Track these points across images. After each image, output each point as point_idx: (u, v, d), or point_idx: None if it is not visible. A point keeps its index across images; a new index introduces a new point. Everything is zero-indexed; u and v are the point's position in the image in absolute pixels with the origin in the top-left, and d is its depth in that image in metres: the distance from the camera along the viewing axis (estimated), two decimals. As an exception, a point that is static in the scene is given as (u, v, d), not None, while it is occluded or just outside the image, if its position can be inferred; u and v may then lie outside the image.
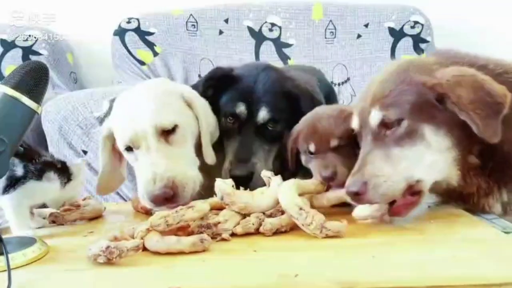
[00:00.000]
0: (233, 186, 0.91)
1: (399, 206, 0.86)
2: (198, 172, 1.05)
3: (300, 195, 0.88)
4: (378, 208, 0.87)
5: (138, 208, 1.09)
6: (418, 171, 0.85)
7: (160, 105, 1.04)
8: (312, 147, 1.03)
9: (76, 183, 1.02)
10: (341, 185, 0.94)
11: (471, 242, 0.78)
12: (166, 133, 1.03)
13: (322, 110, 1.09)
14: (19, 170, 0.91)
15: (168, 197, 0.95)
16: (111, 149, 1.14)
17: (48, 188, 0.96)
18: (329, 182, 0.98)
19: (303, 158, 1.07)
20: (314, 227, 0.79)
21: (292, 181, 0.90)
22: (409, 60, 0.94)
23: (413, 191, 0.86)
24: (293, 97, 1.15)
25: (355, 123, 0.95)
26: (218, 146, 1.19)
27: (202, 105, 1.15)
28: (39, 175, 0.93)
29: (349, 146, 1.00)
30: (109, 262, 0.72)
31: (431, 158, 0.85)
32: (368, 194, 0.83)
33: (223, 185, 0.89)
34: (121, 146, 1.06)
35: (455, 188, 0.92)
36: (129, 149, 1.04)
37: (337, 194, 0.94)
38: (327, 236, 0.79)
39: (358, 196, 0.84)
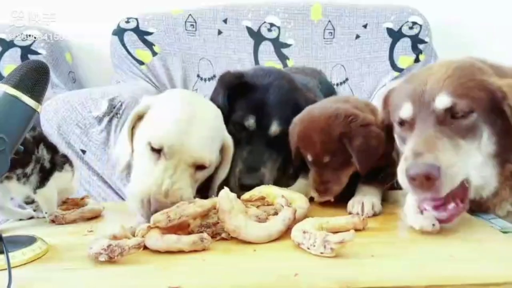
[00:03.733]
0: (234, 197, 0.86)
1: (453, 215, 0.82)
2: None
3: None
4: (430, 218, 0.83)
5: None
6: (470, 169, 0.83)
7: (210, 141, 1.03)
8: (310, 158, 1.06)
9: (76, 177, 1.10)
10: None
11: (469, 241, 0.78)
12: (199, 168, 1.01)
13: (317, 114, 1.05)
14: (47, 163, 1.01)
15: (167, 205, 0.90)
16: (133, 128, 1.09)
17: (66, 178, 1.05)
18: (322, 195, 1.05)
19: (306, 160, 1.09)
20: (318, 245, 0.74)
21: (314, 219, 0.85)
22: (469, 61, 0.90)
23: (460, 197, 0.83)
24: (301, 109, 1.15)
25: (407, 111, 0.88)
26: None
27: (230, 156, 1.12)
28: (61, 167, 1.04)
29: (343, 156, 1.01)
30: (110, 260, 0.72)
31: (479, 160, 0.84)
32: (442, 180, 0.76)
33: (224, 200, 0.84)
34: (147, 140, 1.00)
35: (480, 200, 0.92)
36: (153, 149, 0.99)
37: None
38: (332, 250, 0.72)
39: (427, 181, 0.77)
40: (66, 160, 1.06)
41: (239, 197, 0.92)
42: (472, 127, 0.82)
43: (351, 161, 1.01)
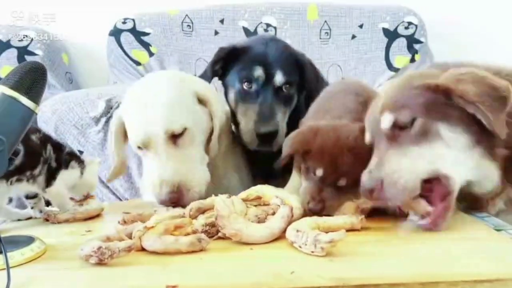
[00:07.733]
0: (231, 202, 0.86)
1: (436, 217, 0.81)
2: (205, 170, 1.09)
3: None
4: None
5: None
6: (442, 167, 0.82)
7: (172, 108, 1.06)
8: (319, 173, 0.93)
9: (91, 174, 1.12)
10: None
11: (464, 239, 0.79)
12: (175, 137, 1.05)
13: (344, 130, 0.95)
14: (53, 163, 1.03)
15: (174, 201, 1.01)
16: (123, 140, 1.17)
17: (72, 175, 1.07)
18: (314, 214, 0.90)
19: (302, 168, 0.98)
20: (309, 244, 0.73)
21: (311, 219, 0.84)
22: (411, 73, 0.95)
23: (442, 195, 0.82)
24: (300, 65, 1.22)
25: (367, 138, 0.92)
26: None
27: (217, 102, 1.16)
28: (66, 165, 1.06)
29: (353, 183, 0.89)
30: (101, 262, 0.72)
31: (453, 155, 0.82)
32: (385, 190, 0.80)
33: (222, 205, 0.84)
34: (133, 143, 1.10)
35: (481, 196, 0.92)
36: (139, 148, 1.08)
37: None
38: (323, 249, 0.72)
39: (373, 194, 0.82)
40: (72, 157, 1.08)
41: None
42: (423, 131, 0.82)
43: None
